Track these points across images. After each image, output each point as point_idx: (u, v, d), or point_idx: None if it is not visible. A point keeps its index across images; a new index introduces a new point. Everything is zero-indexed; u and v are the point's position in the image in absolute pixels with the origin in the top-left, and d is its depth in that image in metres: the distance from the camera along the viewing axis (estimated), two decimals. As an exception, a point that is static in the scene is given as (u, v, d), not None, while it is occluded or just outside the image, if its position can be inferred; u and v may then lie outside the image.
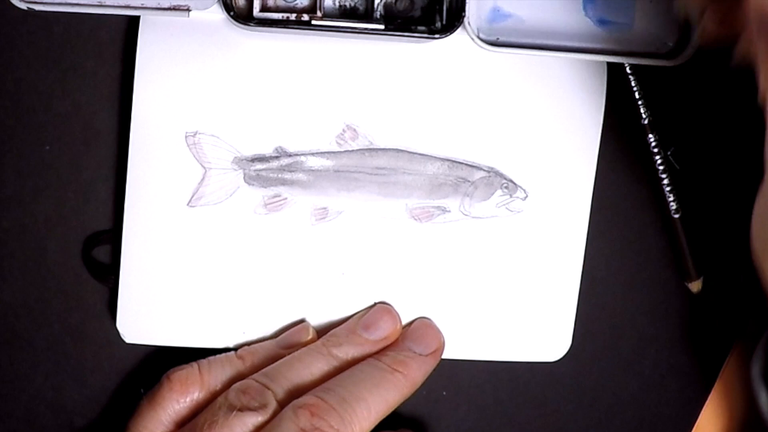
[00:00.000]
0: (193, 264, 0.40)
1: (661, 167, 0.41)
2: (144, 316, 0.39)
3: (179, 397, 0.37)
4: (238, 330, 0.40)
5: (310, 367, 0.38)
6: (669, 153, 0.42)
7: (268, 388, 0.36)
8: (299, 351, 0.39)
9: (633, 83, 0.41)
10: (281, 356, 0.39)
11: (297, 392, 0.37)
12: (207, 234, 0.39)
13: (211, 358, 0.39)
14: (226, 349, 0.40)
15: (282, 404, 0.36)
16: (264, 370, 0.38)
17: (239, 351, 0.39)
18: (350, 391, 0.36)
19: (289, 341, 0.40)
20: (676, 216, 0.41)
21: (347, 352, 0.38)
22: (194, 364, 0.38)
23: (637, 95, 0.41)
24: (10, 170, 0.40)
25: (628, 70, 0.41)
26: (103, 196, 0.40)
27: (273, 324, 0.40)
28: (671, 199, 0.41)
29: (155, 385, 0.38)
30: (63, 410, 0.41)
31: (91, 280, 0.41)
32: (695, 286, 0.42)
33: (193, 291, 0.40)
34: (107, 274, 0.40)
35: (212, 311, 0.40)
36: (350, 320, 0.40)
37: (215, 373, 0.38)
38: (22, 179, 0.40)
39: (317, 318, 0.40)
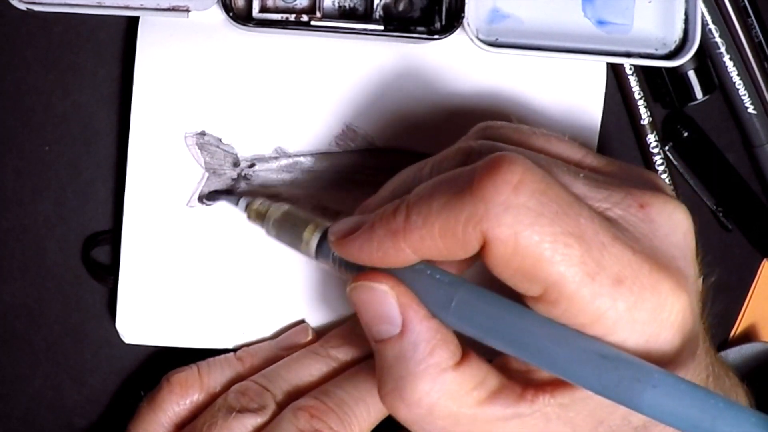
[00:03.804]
0: (193, 264, 0.40)
1: (661, 167, 0.41)
2: (143, 317, 0.39)
3: (179, 399, 0.37)
4: (237, 330, 0.40)
5: (309, 368, 0.38)
6: (666, 148, 0.42)
7: (267, 390, 0.36)
8: (298, 352, 0.39)
9: (632, 84, 0.41)
10: (280, 357, 0.39)
11: (296, 394, 0.37)
12: (206, 234, 0.39)
13: (211, 359, 0.39)
14: (226, 350, 0.40)
15: (281, 406, 0.36)
16: (263, 371, 0.38)
17: (238, 353, 0.39)
18: (349, 392, 0.36)
19: (288, 342, 0.40)
20: None
21: (346, 353, 0.38)
22: (194, 366, 0.38)
23: (636, 96, 0.41)
24: (10, 170, 0.40)
25: (627, 70, 0.41)
26: (102, 197, 0.40)
27: (272, 325, 0.40)
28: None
29: (155, 388, 0.38)
30: (62, 410, 0.41)
31: (90, 281, 0.41)
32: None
33: (193, 291, 0.40)
34: (107, 274, 0.40)
35: (212, 312, 0.40)
36: (349, 321, 0.40)
37: (214, 375, 0.38)
38: (22, 179, 0.40)
39: (316, 319, 0.40)
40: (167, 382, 0.38)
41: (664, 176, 0.41)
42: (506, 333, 0.27)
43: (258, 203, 0.36)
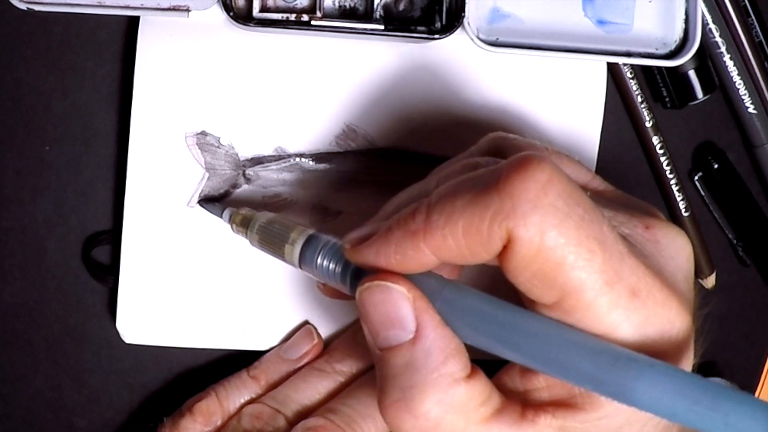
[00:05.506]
0: (193, 264, 0.40)
1: (668, 167, 0.41)
2: (144, 317, 0.39)
3: (203, 427, 0.38)
4: (238, 331, 0.40)
5: (316, 386, 0.38)
6: (696, 178, 0.42)
7: (280, 412, 0.37)
8: (303, 371, 0.39)
9: (633, 84, 0.41)
10: (291, 369, 0.39)
11: (306, 413, 0.37)
12: (207, 234, 0.39)
13: (226, 382, 0.39)
14: (226, 350, 0.40)
15: (293, 425, 0.36)
16: (272, 393, 0.38)
17: (252, 371, 0.39)
18: (356, 408, 0.36)
19: (295, 351, 0.40)
20: (686, 214, 0.41)
21: (351, 366, 0.39)
22: (212, 393, 0.38)
23: (639, 98, 0.41)
24: (10, 170, 0.40)
25: (627, 70, 0.41)
26: (102, 197, 0.40)
27: (273, 325, 0.40)
28: (680, 198, 0.41)
29: (175, 416, 0.38)
30: (62, 410, 0.41)
31: (90, 281, 0.41)
32: (709, 282, 0.42)
33: (193, 291, 0.40)
34: (107, 274, 0.40)
35: (212, 312, 0.40)
36: (350, 330, 0.40)
37: (233, 399, 0.38)
38: (22, 179, 0.40)
39: (318, 319, 0.40)
40: (190, 413, 0.38)
41: (671, 176, 0.41)
42: (490, 327, 0.26)
43: (244, 210, 0.36)
